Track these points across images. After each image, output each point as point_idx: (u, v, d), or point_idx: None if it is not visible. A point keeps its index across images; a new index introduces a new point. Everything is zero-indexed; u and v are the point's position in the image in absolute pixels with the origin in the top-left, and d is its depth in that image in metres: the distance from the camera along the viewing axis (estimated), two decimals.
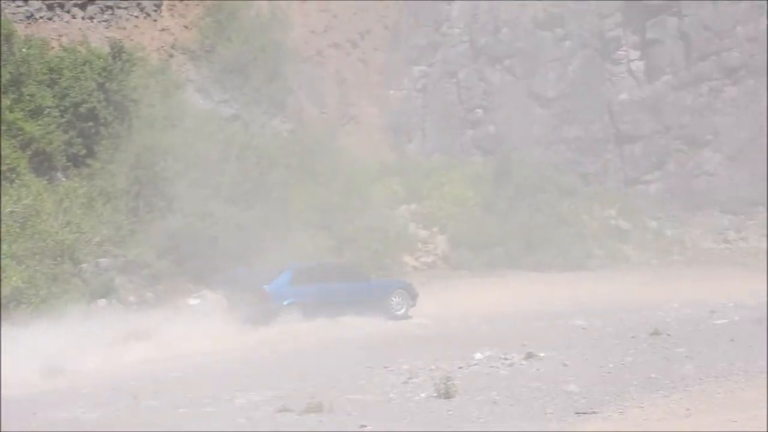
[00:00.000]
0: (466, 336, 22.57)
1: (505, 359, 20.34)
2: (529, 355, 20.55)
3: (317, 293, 24.86)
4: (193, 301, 26.26)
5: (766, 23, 39.38)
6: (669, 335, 21.94)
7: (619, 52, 40.64)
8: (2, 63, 27.06)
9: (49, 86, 27.85)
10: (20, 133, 26.47)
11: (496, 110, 41.09)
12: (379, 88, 40.87)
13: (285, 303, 24.45)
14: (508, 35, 41.21)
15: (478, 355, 20.62)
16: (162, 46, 32.99)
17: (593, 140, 40.29)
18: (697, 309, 24.40)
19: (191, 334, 22.46)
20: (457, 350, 21.09)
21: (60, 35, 30.61)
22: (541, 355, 20.60)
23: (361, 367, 19.83)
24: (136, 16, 33.01)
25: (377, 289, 25.84)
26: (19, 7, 30.61)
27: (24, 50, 27.69)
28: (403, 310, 25.86)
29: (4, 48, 27.38)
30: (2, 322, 21.24)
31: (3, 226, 23.54)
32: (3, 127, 26.13)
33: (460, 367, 19.85)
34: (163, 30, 33.27)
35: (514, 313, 24.84)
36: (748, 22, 39.54)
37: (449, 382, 18.02)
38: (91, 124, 28.23)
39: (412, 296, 26.19)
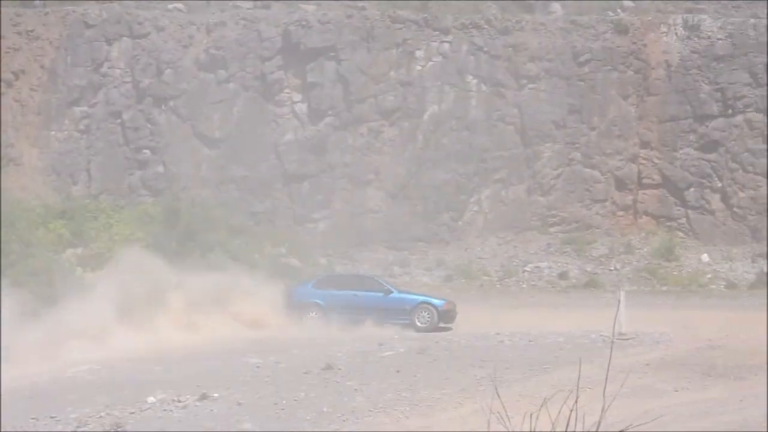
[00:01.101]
0: (140, 379, 22.09)
1: (179, 401, 20.09)
2: (204, 396, 20.41)
3: (336, 299, 28.40)
4: None
5: (416, 69, 41.55)
6: (340, 369, 22.49)
7: (282, 95, 41.46)
8: None
9: None
10: None
11: (163, 151, 40.76)
12: (38, 129, 39.52)
13: (303, 305, 28.45)
14: (171, 76, 41.08)
15: (150, 399, 20.24)
16: None
17: (261, 180, 40.79)
18: (367, 342, 25.17)
19: None
20: (130, 394, 20.60)
21: None
22: (215, 395, 20.52)
23: (26, 418, 18.94)
24: None
25: (398, 302, 28.44)
26: None
27: None
28: (424, 324, 27.91)
29: None
30: None
31: None
32: None
33: (132, 413, 19.41)
34: None
35: (190, 352, 24.59)
36: (400, 68, 41.54)
37: (120, 429, 17.59)
38: None
39: (441, 313, 28.25)
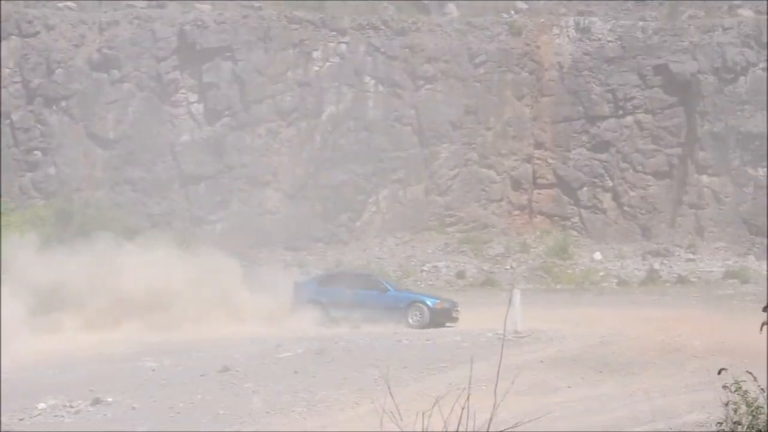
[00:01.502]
0: (31, 385, 21.62)
1: (71, 407, 19.73)
2: (97, 401, 20.08)
3: (335, 296, 28.78)
4: None
5: (314, 70, 41.49)
6: (238, 371, 22.32)
7: (178, 95, 41.05)
8: None
9: None
10: None
11: (55, 152, 40.01)
12: None
13: (307, 300, 28.97)
14: (62, 76, 40.35)
15: (41, 405, 19.84)
16: None
17: (157, 181, 40.31)
18: (264, 344, 25.02)
19: None
20: (19, 400, 20.15)
21: None
22: (109, 399, 20.20)
23: None
24: None
25: (393, 300, 28.68)
26: None
27: None
28: (416, 323, 28.01)
29: None
30: None
31: None
32: None
33: (21, 419, 19.01)
34: None
35: (84, 356, 24.14)
36: (297, 68, 41.45)
37: None
38: None
39: (433, 312, 28.29)
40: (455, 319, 28.63)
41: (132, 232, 34.47)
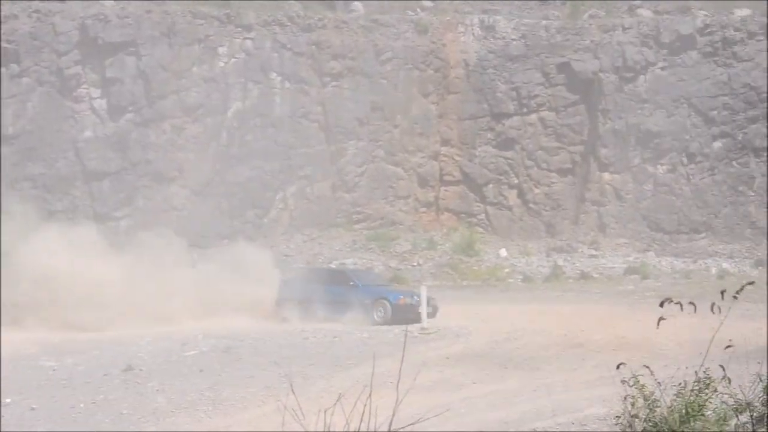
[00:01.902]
0: None
1: None
2: None
3: (309, 293, 28.42)
4: None
5: (219, 66, 41.14)
6: (142, 370, 22.04)
7: (80, 90, 40.36)
8: None
9: None
10: None
11: None
12: None
13: (284, 299, 28.91)
14: None
15: None
16: None
17: (59, 177, 39.59)
18: (170, 342, 24.74)
19: None
20: None
21: None
22: (7, 400, 19.82)
23: None
24: None
25: (361, 295, 28.15)
26: None
27: None
28: (380, 319, 27.57)
29: None
30: None
31: None
32: None
33: None
34: None
35: None
36: (203, 64, 41.07)
37: None
38: None
39: (394, 308, 27.73)
40: (419, 315, 26.67)
41: (32, 229, 33.81)
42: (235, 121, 41.22)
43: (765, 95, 40.99)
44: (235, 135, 41.19)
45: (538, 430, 15.88)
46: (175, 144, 40.75)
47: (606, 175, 41.91)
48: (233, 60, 41.36)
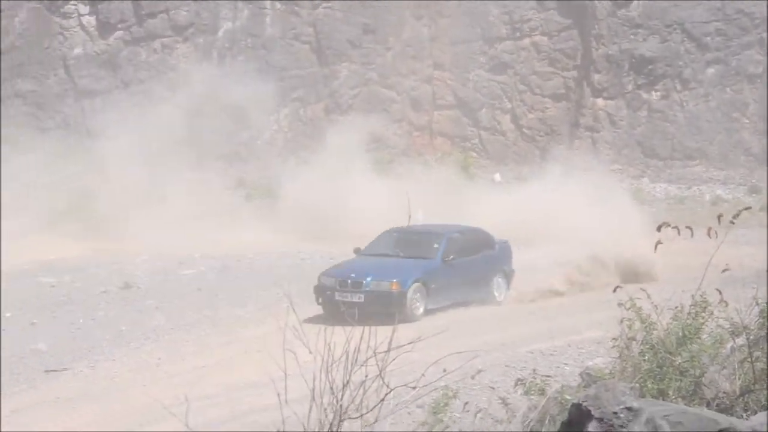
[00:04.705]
0: None
1: None
2: None
3: None
4: None
5: None
6: (140, 288, 22.31)
7: (69, 6, 40.04)
8: None
9: None
10: None
11: None
12: None
13: None
14: None
15: None
16: None
17: (51, 95, 39.46)
18: (167, 260, 24.94)
19: None
20: None
21: None
22: (7, 315, 20.11)
23: None
24: None
25: None
26: None
27: None
28: None
29: None
30: None
31: None
32: None
33: None
34: None
35: None
36: None
37: None
38: None
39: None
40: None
41: (27, 148, 33.91)
42: (226, 42, 41.00)
43: (758, 21, 40.97)
44: (226, 56, 41.00)
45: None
46: (167, 63, 40.58)
47: (600, 101, 41.94)
48: None
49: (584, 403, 6.31)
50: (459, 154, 41.49)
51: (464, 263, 20.70)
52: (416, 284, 19.81)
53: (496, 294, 20.95)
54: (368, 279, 19.71)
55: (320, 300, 19.53)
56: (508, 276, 21.47)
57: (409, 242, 20.82)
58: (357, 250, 20.97)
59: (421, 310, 19.72)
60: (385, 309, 18.39)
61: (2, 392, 15.84)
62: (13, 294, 21.72)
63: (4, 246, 25.66)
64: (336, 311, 18.30)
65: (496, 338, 17.22)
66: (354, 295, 19.43)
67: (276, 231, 29.21)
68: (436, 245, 20.74)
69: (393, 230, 21.07)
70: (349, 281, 19.70)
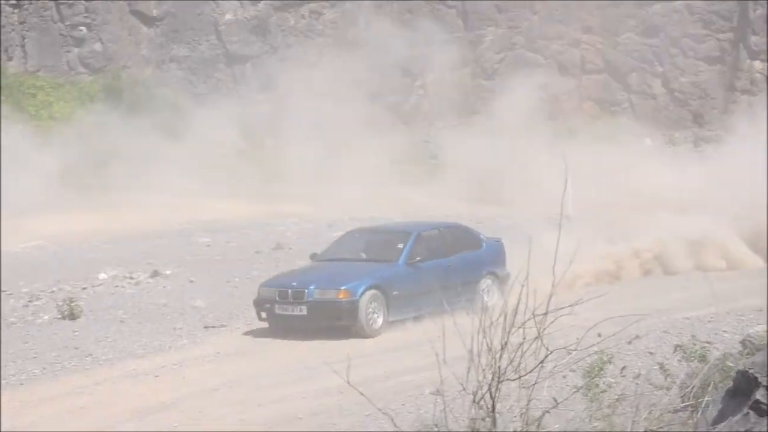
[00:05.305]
0: (89, 256, 22.15)
1: (131, 278, 20.26)
2: (155, 273, 20.59)
3: None
4: None
5: None
6: (291, 249, 22.72)
7: None
8: None
9: None
10: None
11: (100, 28, 39.90)
12: None
13: None
14: None
15: (102, 275, 20.38)
16: None
17: (202, 60, 40.27)
18: (317, 223, 25.39)
19: None
20: (80, 271, 20.69)
21: None
22: (167, 272, 20.70)
23: None
24: None
25: None
26: None
27: None
28: None
29: None
30: None
31: None
32: None
33: (84, 288, 19.56)
34: None
35: (137, 232, 24.59)
36: None
37: (73, 303, 17.78)
38: None
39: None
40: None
41: (180, 111, 34.70)
42: (371, 7, 41.13)
43: None
44: (372, 21, 41.14)
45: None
46: (315, 29, 40.97)
47: (757, 63, 40.71)
48: None
49: (751, 371, 6.18)
50: (608, 119, 40.84)
51: (437, 266, 17.26)
52: (371, 292, 16.71)
53: (486, 300, 16.79)
54: (311, 288, 16.79)
55: (262, 315, 17.06)
56: (502, 279, 17.60)
57: (371, 243, 18.17)
58: (313, 255, 18.55)
59: (380, 322, 16.77)
60: (333, 322, 16.47)
61: (167, 345, 16.33)
62: (172, 252, 22.40)
63: (167, 204, 26.59)
64: (279, 326, 16.71)
65: (651, 304, 16.96)
66: (296, 308, 16.69)
67: (435, 195, 28.98)
68: (400, 245, 17.64)
69: (355, 231, 19.33)
70: (290, 291, 16.81)
